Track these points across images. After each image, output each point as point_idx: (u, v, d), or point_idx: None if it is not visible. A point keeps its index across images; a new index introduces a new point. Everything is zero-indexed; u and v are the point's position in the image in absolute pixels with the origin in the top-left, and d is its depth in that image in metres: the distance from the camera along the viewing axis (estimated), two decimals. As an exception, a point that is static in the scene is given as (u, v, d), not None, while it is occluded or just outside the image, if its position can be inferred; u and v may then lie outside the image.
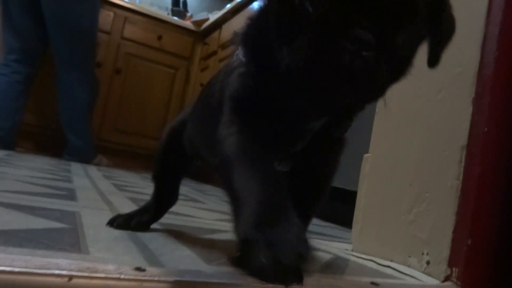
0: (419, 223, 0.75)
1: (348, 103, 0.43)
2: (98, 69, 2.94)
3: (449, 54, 0.78)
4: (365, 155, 0.91)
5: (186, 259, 0.53)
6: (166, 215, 0.79)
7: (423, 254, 0.73)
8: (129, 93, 3.17)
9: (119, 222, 0.69)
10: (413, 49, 0.42)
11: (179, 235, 0.74)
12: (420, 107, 0.79)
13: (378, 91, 0.40)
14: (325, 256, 0.78)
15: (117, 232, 0.64)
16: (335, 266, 0.71)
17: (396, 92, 0.87)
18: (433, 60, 0.46)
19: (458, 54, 0.73)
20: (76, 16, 2.41)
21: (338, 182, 1.33)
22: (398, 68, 0.41)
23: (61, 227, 0.60)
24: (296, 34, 0.36)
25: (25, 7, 2.41)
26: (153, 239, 0.63)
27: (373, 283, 0.59)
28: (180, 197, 0.79)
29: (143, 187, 1.63)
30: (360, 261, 0.80)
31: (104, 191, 1.23)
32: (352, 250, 0.88)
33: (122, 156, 3.16)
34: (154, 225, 0.75)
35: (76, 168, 2.06)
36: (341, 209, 1.32)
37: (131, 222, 0.70)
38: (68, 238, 0.54)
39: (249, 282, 0.43)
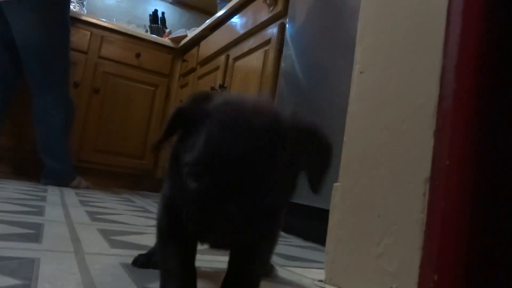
0: (388, 256, 0.74)
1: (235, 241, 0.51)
2: (75, 89, 2.91)
3: (411, 85, 0.78)
4: (335, 184, 0.90)
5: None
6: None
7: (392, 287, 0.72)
8: (108, 112, 3.13)
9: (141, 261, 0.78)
10: (289, 184, 0.51)
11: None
12: (385, 137, 0.79)
13: (257, 229, 0.48)
14: (295, 292, 0.77)
15: (73, 287, 0.62)
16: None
17: (363, 121, 0.87)
18: (315, 188, 0.52)
19: (419, 85, 0.73)
20: (45, 37, 2.38)
21: (318, 202, 1.33)
22: (275, 205, 0.50)
23: (13, 284, 0.58)
24: (187, 201, 0.48)
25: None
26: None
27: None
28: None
29: (120, 212, 1.61)
30: (332, 295, 0.79)
31: (75, 223, 1.20)
32: (325, 282, 0.87)
33: (103, 176, 3.12)
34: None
35: (52, 193, 2.02)
36: (322, 228, 1.31)
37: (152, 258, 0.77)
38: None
39: None
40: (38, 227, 1.05)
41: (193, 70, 3.06)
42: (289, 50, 1.83)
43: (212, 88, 2.51)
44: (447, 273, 0.66)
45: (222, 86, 2.43)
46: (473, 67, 0.63)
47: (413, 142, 0.73)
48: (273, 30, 2.01)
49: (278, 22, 1.99)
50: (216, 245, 0.56)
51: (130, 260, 0.82)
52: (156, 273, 0.73)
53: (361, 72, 0.90)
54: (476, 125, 0.63)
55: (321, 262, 1.07)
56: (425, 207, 0.69)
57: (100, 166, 3.09)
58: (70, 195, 2.07)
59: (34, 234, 0.96)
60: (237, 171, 0.44)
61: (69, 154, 2.61)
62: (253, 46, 2.18)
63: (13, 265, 0.67)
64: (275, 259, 1.02)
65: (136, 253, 0.92)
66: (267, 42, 2.05)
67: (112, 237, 1.06)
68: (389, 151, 0.78)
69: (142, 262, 0.76)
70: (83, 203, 1.79)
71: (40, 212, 1.34)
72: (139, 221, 1.47)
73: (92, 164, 3.04)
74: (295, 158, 0.48)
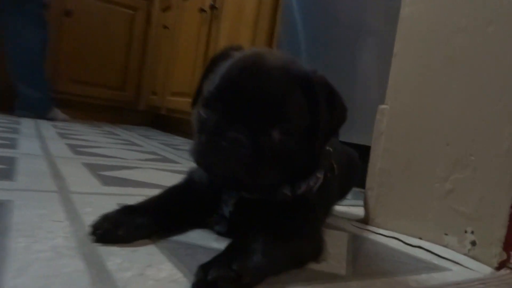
0: (460, 193, 0.59)
1: (246, 183, 0.47)
2: (44, 12, 2.57)
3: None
4: (380, 107, 0.73)
5: None
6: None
7: (466, 232, 0.58)
8: (83, 38, 2.81)
9: (105, 229, 0.45)
10: (299, 136, 0.47)
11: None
12: (461, 43, 0.61)
13: (266, 175, 0.46)
14: (341, 236, 0.63)
15: (60, 240, 0.45)
16: (364, 254, 0.55)
17: (424, 25, 0.69)
18: (319, 144, 0.49)
19: None
20: None
21: (350, 136, 1.15)
22: (288, 155, 0.47)
23: (-28, 239, 0.40)
24: (201, 135, 0.47)
25: None
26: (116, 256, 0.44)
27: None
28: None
29: (105, 145, 1.42)
30: (383, 239, 0.65)
31: (55, 157, 1.01)
32: (365, 223, 0.73)
33: (81, 109, 2.87)
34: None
35: (27, 126, 1.80)
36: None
37: (119, 231, 0.46)
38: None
39: None
40: (11, 162, 0.86)
41: (177, -11, 2.74)
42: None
43: (201, 10, 2.24)
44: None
45: (212, 7, 2.16)
46: None
47: (506, 47, 0.55)
48: None
49: None
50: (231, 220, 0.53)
51: (128, 200, 0.66)
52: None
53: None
54: None
55: (357, 204, 0.93)
56: (522, 131, 0.53)
57: (77, 98, 2.83)
58: (46, 127, 1.85)
59: (5, 170, 0.77)
60: (246, 103, 0.44)
61: (46, 82, 2.35)
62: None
63: (-25, 211, 0.49)
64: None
65: (134, 191, 0.75)
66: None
67: (101, 173, 0.88)
68: (468, 60, 0.60)
69: (105, 232, 0.45)
70: (62, 135, 1.59)
71: (12, 144, 1.14)
72: (128, 154, 1.29)
73: (69, 95, 2.77)
74: (309, 110, 0.47)
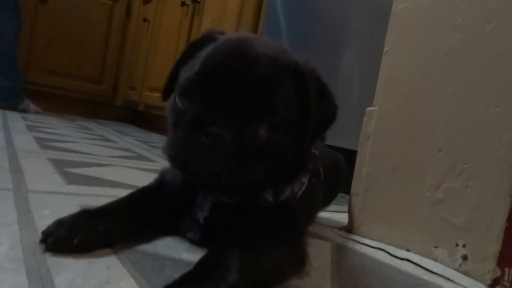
0: (452, 203, 0.55)
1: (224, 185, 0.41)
2: (18, -3, 2.45)
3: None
4: (369, 109, 0.69)
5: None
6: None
7: (457, 245, 0.54)
8: (59, 27, 2.70)
9: (59, 236, 0.39)
10: (287, 132, 0.42)
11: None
12: (458, 42, 0.57)
13: (250, 176, 0.41)
14: (323, 246, 0.58)
15: (5, 249, 0.39)
16: (349, 267, 0.50)
17: (419, 21, 0.65)
18: (306, 141, 0.44)
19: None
20: None
21: (337, 141, 1.10)
22: (274, 152, 0.42)
23: None
24: (176, 129, 0.42)
25: None
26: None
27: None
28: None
29: (76, 140, 1.34)
30: (368, 251, 0.60)
31: (18, 151, 0.94)
32: (349, 231, 0.69)
33: (55, 101, 2.76)
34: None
35: (-8, 117, 1.70)
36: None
37: (75, 239, 0.39)
38: None
39: None
40: (-35, 155, 0.79)
41: (159, -19, 2.66)
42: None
43: (183, 3, 2.17)
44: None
45: (194, 1, 2.10)
46: None
47: (506, 47, 0.52)
48: None
49: None
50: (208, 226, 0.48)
51: (92, 202, 0.60)
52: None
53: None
54: None
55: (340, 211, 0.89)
56: (522, 138, 0.49)
57: (51, 90, 2.71)
58: (15, 119, 1.76)
59: (-43, 164, 0.70)
60: (230, 92, 0.39)
61: (19, 70, 2.24)
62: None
63: None
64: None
65: (100, 191, 0.69)
66: None
67: (68, 169, 0.81)
68: (464, 61, 0.56)
69: (57, 240, 0.39)
70: (30, 128, 1.50)
71: (-29, 136, 1.06)
72: (100, 150, 1.22)
73: (42, 86, 2.66)
74: (297, 104, 0.43)
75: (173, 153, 0.41)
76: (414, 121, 0.62)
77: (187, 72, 0.43)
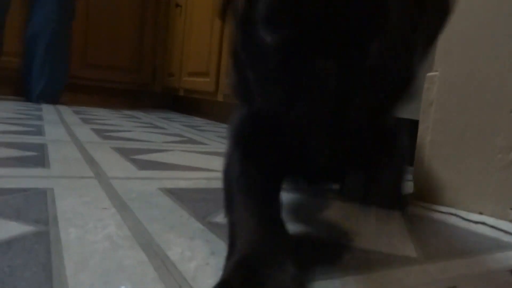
0: (527, 163, 0.55)
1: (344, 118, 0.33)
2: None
3: None
4: (429, 75, 0.68)
5: None
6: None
7: (535, 205, 0.54)
8: (94, 21, 2.77)
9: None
10: (405, 43, 0.33)
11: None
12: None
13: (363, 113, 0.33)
14: (392, 214, 0.59)
15: (113, 229, 0.43)
16: (425, 233, 0.51)
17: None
18: (427, 43, 0.38)
19: None
20: None
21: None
22: (386, 80, 0.34)
23: (22, 232, 0.38)
24: (257, 66, 0.34)
25: None
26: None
27: None
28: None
29: (130, 129, 1.40)
30: (440, 216, 0.61)
31: (84, 142, 0.99)
32: (415, 198, 0.69)
33: (97, 94, 2.86)
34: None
35: (47, 112, 1.78)
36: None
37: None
38: (39, 254, 0.33)
39: None
40: (41, 149, 0.84)
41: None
42: None
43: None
44: None
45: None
46: None
47: None
48: None
49: None
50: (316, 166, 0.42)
51: (168, 184, 0.63)
52: (217, 202, 0.54)
53: None
54: None
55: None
56: None
57: (93, 83, 2.81)
58: (68, 113, 1.84)
59: (38, 157, 0.75)
60: (333, 15, 0.30)
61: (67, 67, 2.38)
62: None
63: (18, 201, 0.47)
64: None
65: (172, 175, 0.73)
66: None
67: (133, 157, 0.86)
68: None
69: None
70: (85, 121, 1.57)
71: (40, 131, 1.13)
72: (154, 137, 1.26)
73: (85, 80, 2.76)
74: (411, 15, 0.33)
75: (273, 98, 0.33)
76: (480, 83, 0.61)
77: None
